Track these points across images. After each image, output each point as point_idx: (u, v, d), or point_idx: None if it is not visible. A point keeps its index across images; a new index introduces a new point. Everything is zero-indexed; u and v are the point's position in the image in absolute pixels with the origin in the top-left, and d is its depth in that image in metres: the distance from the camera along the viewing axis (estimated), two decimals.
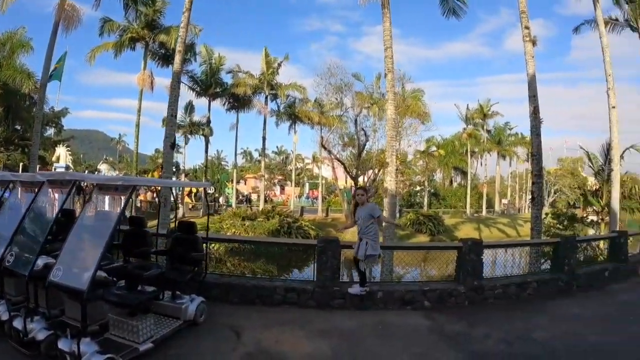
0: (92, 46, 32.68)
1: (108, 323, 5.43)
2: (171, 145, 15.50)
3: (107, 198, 7.49)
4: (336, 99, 33.20)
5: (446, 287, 8.30)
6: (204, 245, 7.16)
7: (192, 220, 8.42)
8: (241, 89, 38.11)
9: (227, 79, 40.91)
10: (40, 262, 5.38)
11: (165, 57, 33.87)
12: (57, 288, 4.93)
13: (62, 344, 4.72)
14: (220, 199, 50.57)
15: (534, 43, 16.30)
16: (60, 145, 37.29)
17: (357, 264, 7.51)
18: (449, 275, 9.28)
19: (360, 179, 33.23)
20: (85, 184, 7.33)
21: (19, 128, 35.88)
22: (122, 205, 5.94)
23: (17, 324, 5.18)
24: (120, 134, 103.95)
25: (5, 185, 7.20)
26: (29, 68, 31.37)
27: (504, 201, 68.25)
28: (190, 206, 40.95)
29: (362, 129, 32.35)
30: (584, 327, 7.41)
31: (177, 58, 15.94)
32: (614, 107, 19.10)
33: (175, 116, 16.22)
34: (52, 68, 22.27)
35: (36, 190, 6.23)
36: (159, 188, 14.53)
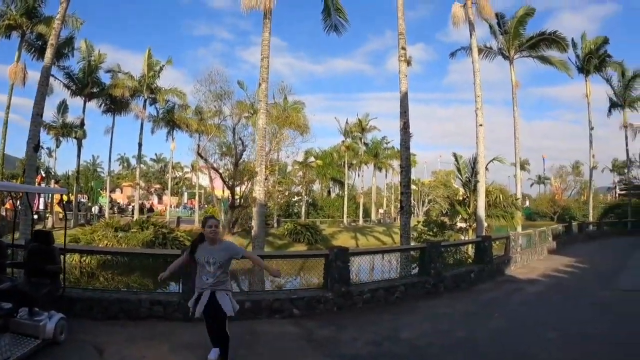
0: None
1: None
2: (35, 147, 14.72)
3: None
4: (215, 106, 32.97)
5: (314, 295, 8.59)
6: (62, 256, 6.85)
7: (50, 230, 8.04)
8: (119, 90, 36.06)
9: (106, 78, 38.62)
10: None
11: (42, 50, 30.88)
12: None
13: None
14: (93, 208, 47.86)
15: (408, 63, 17.61)
16: None
17: (215, 327, 5.57)
18: (319, 283, 9.60)
19: (238, 189, 33.22)
20: None
21: None
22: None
23: None
24: None
25: None
26: None
27: (381, 211, 70.75)
28: (60, 216, 38.28)
29: (240, 138, 32.39)
30: (449, 325, 8.05)
31: (49, 51, 15.27)
32: (481, 125, 20.97)
33: (41, 115, 15.42)
34: None
35: None
36: (19, 194, 13.61)
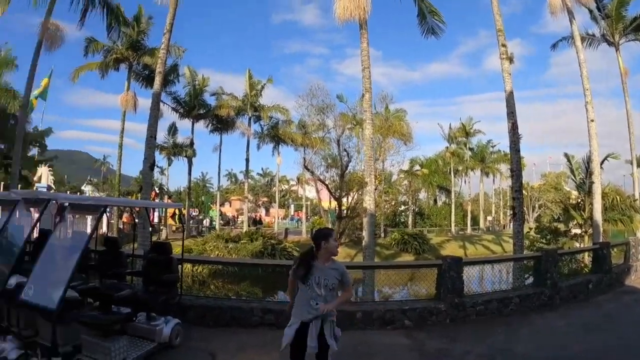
0: (77, 66, 32.69)
1: (81, 344, 5.33)
2: (150, 166, 15.45)
3: (89, 218, 7.43)
4: (318, 120, 33.34)
5: (426, 306, 8.23)
6: (179, 266, 7.08)
7: (167, 241, 8.38)
8: (224, 110, 37.99)
9: (211, 100, 40.78)
10: (13, 281, 5.30)
11: (149, 78, 33.67)
12: (28, 307, 4.88)
13: None
14: (204, 221, 50.19)
15: (510, 60, 16.60)
16: (42, 165, 36.80)
17: None
18: (431, 294, 9.22)
19: (344, 200, 33.23)
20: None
21: (2, 147, 35.53)
22: (94, 225, 5.89)
23: None
24: (104, 155, 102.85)
25: None
26: (14, 87, 31.31)
27: (489, 218, 67.98)
28: (173, 228, 40.50)
29: (345, 150, 32.44)
30: (566, 339, 7.44)
31: (158, 79, 15.96)
32: (592, 121, 19.36)
33: (155, 137, 16.17)
34: (38, 86, 22.26)
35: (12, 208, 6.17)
36: (137, 209, 14.44)
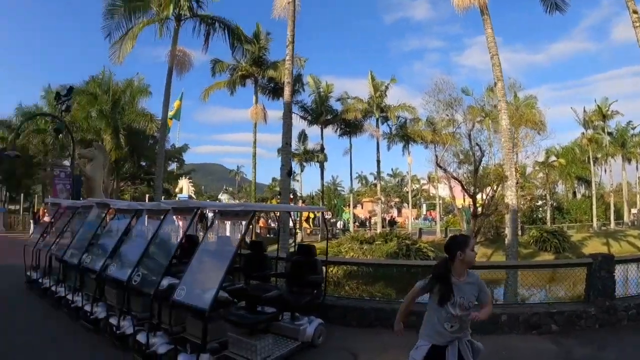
0: (206, 86, 35.39)
1: (227, 341, 5.69)
2: (288, 173, 16.01)
3: (227, 224, 7.92)
4: (447, 115, 32.34)
5: (575, 309, 7.62)
6: (323, 268, 7.29)
7: (312, 244, 8.65)
8: (351, 114, 38.57)
9: (337, 106, 41.57)
10: (165, 282, 5.77)
11: (275, 91, 35.41)
12: (181, 306, 5.26)
13: (182, 359, 5.05)
14: (338, 224, 51.19)
15: None
16: (183, 178, 40.15)
17: None
18: (577, 296, 8.55)
19: (478, 196, 31.87)
20: (207, 211, 7.83)
21: (143, 164, 39.60)
22: (244, 230, 6.27)
23: (141, 337, 5.66)
24: (238, 166, 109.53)
25: (133, 213, 7.99)
26: (150, 111, 35.12)
27: (633, 211, 60.82)
28: (308, 231, 41.73)
29: (477, 144, 30.98)
30: None
31: (287, 89, 16.54)
32: None
33: (290, 144, 16.74)
34: (170, 108, 24.46)
35: (161, 217, 6.81)
36: (278, 214, 15.09)
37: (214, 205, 6.85)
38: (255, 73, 34.32)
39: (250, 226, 8.89)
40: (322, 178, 43.97)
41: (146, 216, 7.81)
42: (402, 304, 4.20)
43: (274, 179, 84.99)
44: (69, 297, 8.21)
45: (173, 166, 41.66)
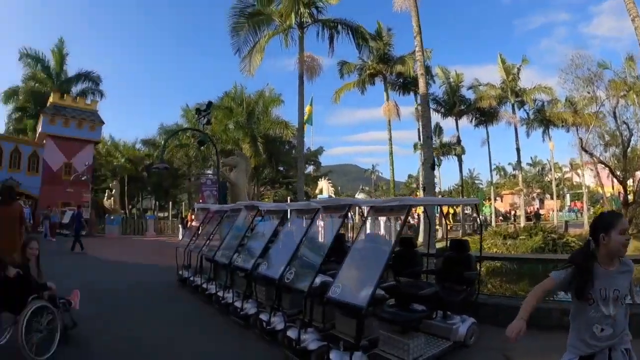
0: (335, 88, 36.12)
1: (377, 339, 5.63)
2: (431, 166, 15.84)
3: (381, 222, 7.88)
4: (588, 92, 29.40)
5: None
6: (477, 264, 6.97)
7: (465, 238, 8.35)
8: (485, 101, 37.19)
9: (469, 95, 40.43)
10: (318, 280, 5.87)
11: (404, 86, 35.18)
12: (335, 304, 5.29)
13: (334, 356, 5.04)
14: (478, 218, 49.24)
15: None
16: (323, 179, 41.32)
17: None
18: None
19: (629, 182, 28.52)
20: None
21: (281, 169, 41.40)
22: (400, 226, 6.19)
23: (292, 333, 5.76)
24: (373, 165, 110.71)
25: (282, 214, 8.30)
26: (283, 118, 36.79)
27: None
28: (448, 227, 40.74)
29: (624, 122, 27.81)
30: None
31: (421, 81, 16.29)
32: None
33: (431, 137, 16.56)
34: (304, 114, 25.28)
35: (308, 216, 6.97)
36: (419, 210, 14.93)
37: (366, 202, 6.83)
38: (382, 70, 34.32)
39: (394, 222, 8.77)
40: (460, 171, 42.79)
41: (294, 216, 8.10)
42: (527, 298, 3.15)
43: (409, 176, 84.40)
44: (220, 294, 8.71)
45: (310, 169, 43.07)
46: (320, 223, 7.66)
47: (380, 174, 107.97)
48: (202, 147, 30.07)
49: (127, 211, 48.61)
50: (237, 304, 7.83)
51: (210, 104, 20.36)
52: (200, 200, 22.35)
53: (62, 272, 12.50)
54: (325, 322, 5.94)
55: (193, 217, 27.35)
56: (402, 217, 6.15)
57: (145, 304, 9.67)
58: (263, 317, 6.84)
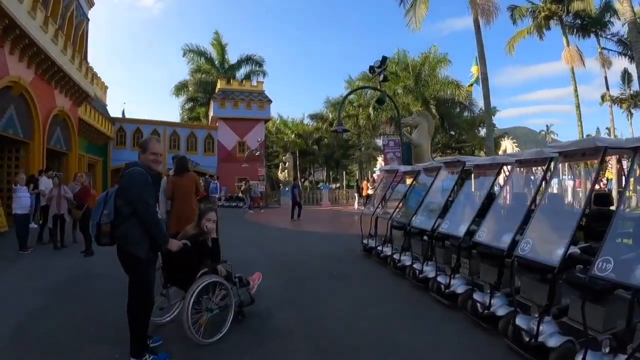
0: (503, 41, 33.20)
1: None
2: None
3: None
4: None
5: None
6: None
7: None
8: None
9: None
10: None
11: (584, 28, 31.28)
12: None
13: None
14: None
15: None
16: (505, 138, 39.10)
17: None
18: None
19: None
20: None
21: (453, 133, 39.78)
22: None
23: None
24: (547, 125, 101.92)
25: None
26: (454, 79, 34.98)
27: None
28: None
29: None
30: None
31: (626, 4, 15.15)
32: None
33: None
34: (470, 75, 23.97)
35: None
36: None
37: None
38: (558, 11, 30.66)
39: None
40: None
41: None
42: None
43: (588, 135, 76.45)
44: (417, 267, 7.81)
45: (482, 132, 41.04)
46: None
47: (554, 136, 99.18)
48: (380, 106, 29.26)
49: (300, 183, 51.24)
50: (417, 265, 7.79)
51: (385, 59, 18.60)
52: (383, 164, 22.15)
53: (243, 242, 13.37)
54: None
55: (367, 185, 27.82)
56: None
57: (328, 277, 8.62)
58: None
